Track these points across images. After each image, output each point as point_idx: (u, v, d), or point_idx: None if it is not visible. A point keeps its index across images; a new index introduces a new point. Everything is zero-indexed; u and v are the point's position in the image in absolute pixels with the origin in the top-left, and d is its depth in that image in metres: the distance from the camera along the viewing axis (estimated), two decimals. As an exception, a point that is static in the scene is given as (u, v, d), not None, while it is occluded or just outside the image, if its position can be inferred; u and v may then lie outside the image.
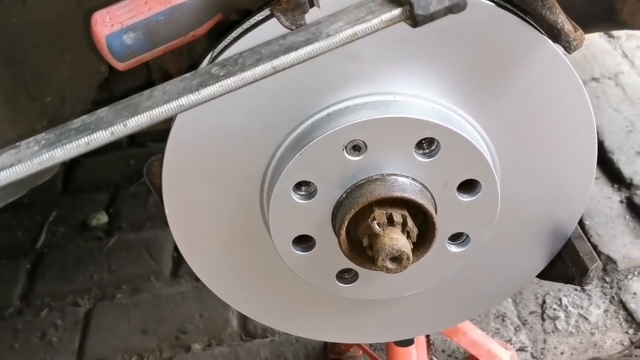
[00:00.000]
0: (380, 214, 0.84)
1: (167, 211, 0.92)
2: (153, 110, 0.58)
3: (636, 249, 1.81)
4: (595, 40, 2.55)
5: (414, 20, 0.62)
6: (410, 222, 0.84)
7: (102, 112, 0.61)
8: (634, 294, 1.70)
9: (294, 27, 0.74)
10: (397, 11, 0.62)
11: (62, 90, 1.27)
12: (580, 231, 0.99)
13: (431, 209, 0.85)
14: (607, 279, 1.75)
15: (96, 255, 2.07)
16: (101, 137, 0.57)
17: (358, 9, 0.64)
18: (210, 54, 0.88)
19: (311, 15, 0.77)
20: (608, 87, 2.36)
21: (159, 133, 0.94)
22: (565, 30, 0.76)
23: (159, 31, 0.78)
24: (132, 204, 2.27)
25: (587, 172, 0.95)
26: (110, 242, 2.11)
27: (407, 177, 0.86)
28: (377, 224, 0.83)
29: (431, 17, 0.62)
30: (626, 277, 1.75)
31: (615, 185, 2.01)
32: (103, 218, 2.23)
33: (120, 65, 0.79)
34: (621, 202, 1.96)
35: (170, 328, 1.82)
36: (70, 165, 2.46)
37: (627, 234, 1.86)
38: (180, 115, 0.86)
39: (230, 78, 0.60)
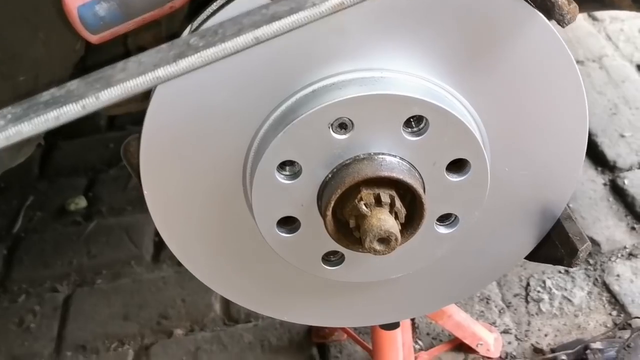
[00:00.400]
0: (367, 194, 0.81)
1: (145, 192, 0.89)
2: (127, 82, 0.54)
3: (619, 231, 1.82)
4: (579, 23, 2.54)
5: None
6: (398, 203, 0.82)
7: (73, 84, 0.57)
8: (618, 276, 1.71)
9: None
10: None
11: (36, 69, 1.23)
12: (570, 212, 0.98)
13: (420, 189, 0.82)
14: (591, 262, 1.75)
15: (75, 240, 2.03)
16: (72, 110, 0.53)
17: (346, -23, 0.61)
18: (190, 26, 0.85)
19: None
20: (592, 70, 2.35)
21: (138, 115, 0.90)
22: (559, 2, 0.74)
23: (134, 1, 0.74)
24: (111, 188, 2.22)
25: (578, 152, 0.93)
26: (90, 227, 2.07)
27: (395, 156, 0.83)
28: (365, 204, 0.81)
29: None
30: (609, 259, 1.75)
31: (599, 168, 2.01)
32: (82, 202, 2.18)
33: (93, 38, 0.76)
34: (605, 184, 1.96)
35: (152, 313, 1.79)
36: (48, 149, 2.41)
37: (611, 217, 1.86)
38: (158, 93, 0.82)
39: (210, 49, 0.56)
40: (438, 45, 0.82)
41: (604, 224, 1.85)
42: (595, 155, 2.03)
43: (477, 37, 0.82)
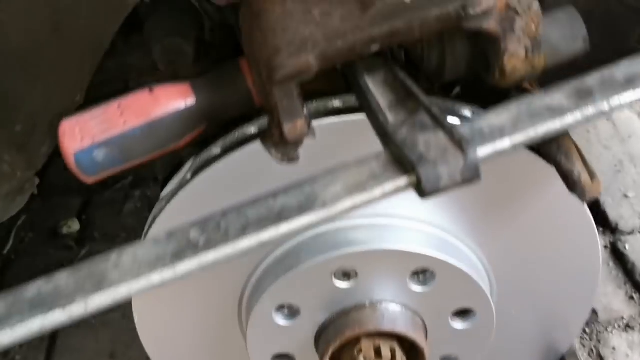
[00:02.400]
0: (367, 346, 0.78)
1: (138, 328, 0.86)
2: (119, 287, 0.51)
3: (618, 299, 1.79)
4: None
5: (421, 192, 0.55)
6: (399, 356, 0.79)
7: (61, 279, 0.54)
8: (613, 349, 1.69)
9: (286, 161, 0.67)
10: (402, 181, 0.55)
11: (33, 119, 1.19)
12: (575, 349, 0.95)
13: (422, 343, 0.79)
14: (587, 330, 1.73)
15: (66, 266, 1.99)
16: (57, 319, 0.50)
17: (359, 168, 0.57)
18: (192, 160, 0.80)
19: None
20: (599, 122, 2.31)
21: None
22: (582, 181, 0.70)
23: (134, 146, 0.70)
24: (105, 212, 2.18)
25: (588, 295, 0.90)
26: (82, 254, 2.03)
27: (398, 304, 0.80)
28: (364, 357, 0.78)
29: (440, 190, 0.55)
30: (606, 330, 1.73)
31: (601, 229, 1.97)
32: (74, 225, 2.14)
33: (88, 180, 0.72)
34: (605, 247, 1.93)
35: (140, 353, 1.76)
36: (43, 165, 2.36)
37: (610, 283, 1.83)
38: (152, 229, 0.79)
39: (210, 252, 0.53)
40: (455, 196, 0.78)
41: (602, 290, 1.82)
42: (598, 215, 1.99)
43: (498, 191, 0.78)
